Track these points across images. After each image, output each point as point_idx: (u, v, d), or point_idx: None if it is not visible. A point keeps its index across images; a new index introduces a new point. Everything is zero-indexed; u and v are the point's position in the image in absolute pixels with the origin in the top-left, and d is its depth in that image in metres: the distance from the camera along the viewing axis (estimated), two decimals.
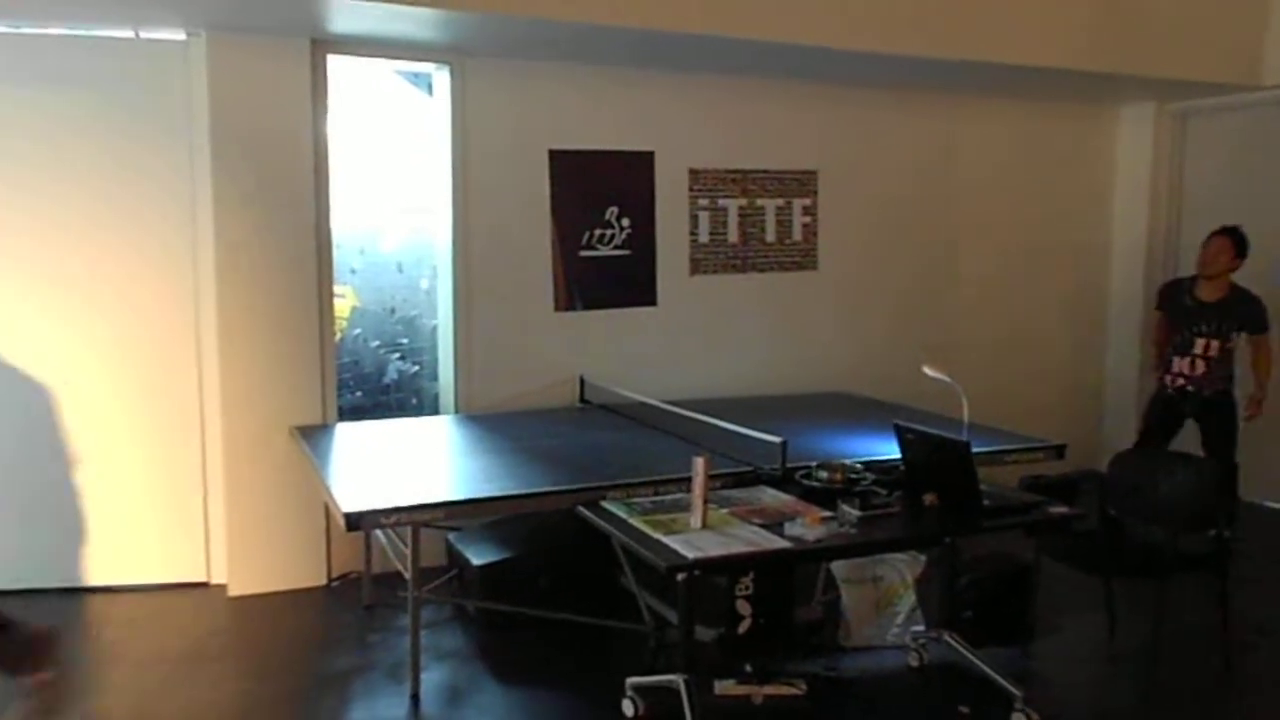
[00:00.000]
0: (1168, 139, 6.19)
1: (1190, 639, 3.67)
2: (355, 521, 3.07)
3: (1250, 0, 5.55)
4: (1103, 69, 5.18)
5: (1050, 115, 6.11)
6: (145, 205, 4.28)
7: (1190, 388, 4.92)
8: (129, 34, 4.24)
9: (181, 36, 4.24)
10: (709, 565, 2.74)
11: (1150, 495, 3.69)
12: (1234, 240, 4.88)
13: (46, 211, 4.18)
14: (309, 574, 4.49)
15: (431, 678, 3.55)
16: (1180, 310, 5.02)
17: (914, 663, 3.64)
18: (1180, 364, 4.95)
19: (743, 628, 3.44)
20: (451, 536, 4.26)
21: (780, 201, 5.47)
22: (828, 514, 3.03)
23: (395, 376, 5.08)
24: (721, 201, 5.32)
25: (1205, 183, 6.12)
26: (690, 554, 2.73)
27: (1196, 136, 6.18)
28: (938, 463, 3.19)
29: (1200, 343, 4.90)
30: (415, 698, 3.39)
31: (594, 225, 5.01)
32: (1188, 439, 4.93)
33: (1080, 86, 5.66)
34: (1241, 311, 4.86)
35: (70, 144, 4.18)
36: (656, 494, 3.34)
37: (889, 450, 3.49)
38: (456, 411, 4.80)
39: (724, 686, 3.39)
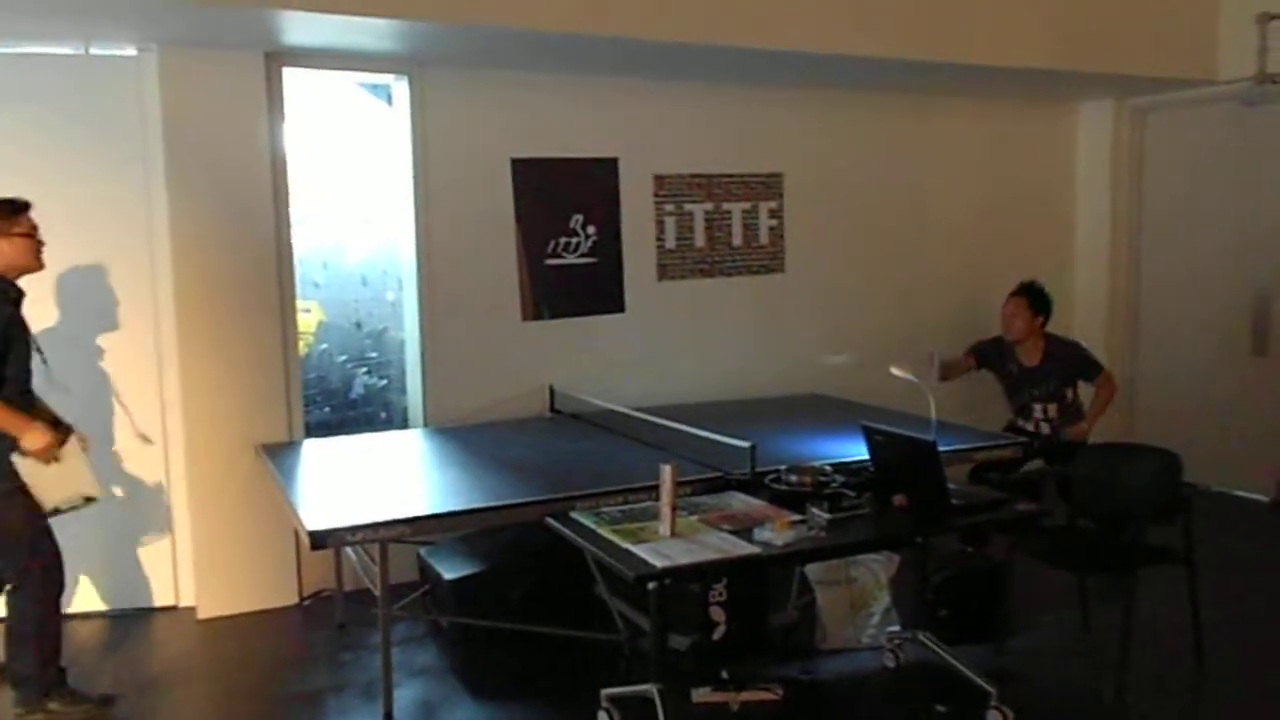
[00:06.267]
0: (1127, 135, 6.25)
1: (1162, 631, 3.69)
2: (321, 540, 3.02)
3: None
4: (1063, 67, 5.22)
5: (1011, 113, 6.15)
6: (100, 223, 4.21)
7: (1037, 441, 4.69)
8: (78, 50, 4.18)
9: (132, 52, 4.19)
10: (677, 574, 2.72)
11: (1115, 489, 3.70)
12: (1029, 299, 4.81)
13: None
14: (280, 594, 4.43)
15: (405, 695, 3.51)
16: (1008, 376, 4.93)
17: (890, 663, 3.65)
18: (1025, 425, 4.84)
19: (717, 634, 3.44)
20: (423, 551, 4.22)
21: (746, 205, 5.47)
22: (797, 518, 3.02)
23: (363, 391, 5.03)
24: (687, 206, 5.31)
25: (1166, 178, 6.19)
26: (658, 563, 2.71)
27: (1156, 132, 6.24)
28: (906, 463, 3.19)
29: (1038, 408, 4.80)
30: (389, 716, 3.35)
31: (559, 233, 4.99)
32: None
33: (1040, 84, 5.71)
34: (1065, 367, 4.79)
35: (22, 162, 4.10)
36: (625, 503, 3.32)
37: (858, 451, 3.49)
38: (426, 425, 4.76)
39: (701, 694, 3.37)
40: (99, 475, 3.53)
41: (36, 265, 3.43)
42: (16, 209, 3.37)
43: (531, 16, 3.97)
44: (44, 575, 3.34)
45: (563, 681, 3.60)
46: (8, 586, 3.35)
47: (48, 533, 3.37)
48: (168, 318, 4.29)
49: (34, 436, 3.25)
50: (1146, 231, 6.30)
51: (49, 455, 3.30)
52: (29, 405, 3.39)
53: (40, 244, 3.42)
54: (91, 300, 4.24)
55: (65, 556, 3.43)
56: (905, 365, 3.80)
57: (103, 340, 4.28)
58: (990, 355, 5.00)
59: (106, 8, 3.66)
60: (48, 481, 3.34)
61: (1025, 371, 4.86)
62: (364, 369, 5.03)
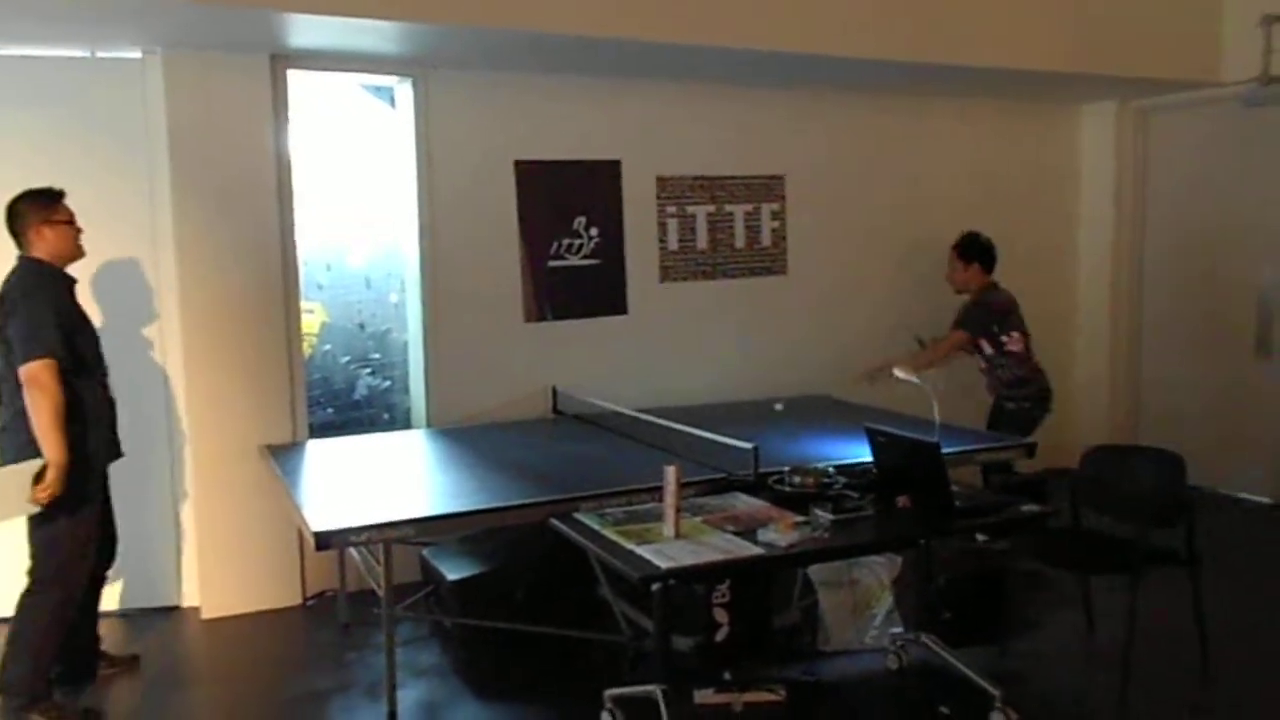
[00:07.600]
0: (1130, 136, 6.25)
1: (1166, 634, 3.68)
2: (325, 541, 3.03)
3: None
4: (1067, 69, 5.22)
5: (1014, 115, 6.15)
6: (104, 224, 4.18)
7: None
8: (84, 53, 4.20)
9: (137, 55, 4.20)
10: (681, 575, 2.73)
11: (1120, 491, 3.70)
12: (959, 251, 4.90)
13: (3, 232, 4.11)
14: (284, 594, 4.44)
15: (409, 695, 3.52)
16: None
17: (893, 665, 3.64)
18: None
19: (720, 635, 3.43)
20: (426, 552, 4.22)
21: (749, 207, 5.48)
22: (801, 519, 3.03)
23: (366, 392, 5.04)
24: (690, 208, 5.32)
25: (1169, 179, 6.18)
26: (663, 564, 2.72)
27: (1159, 133, 6.24)
28: (909, 464, 3.19)
29: (978, 356, 4.93)
30: (393, 716, 3.35)
31: (562, 235, 5.00)
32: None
33: (1044, 86, 5.71)
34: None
35: (27, 163, 4.10)
36: (629, 504, 3.32)
37: (862, 453, 3.50)
38: (429, 425, 4.77)
39: (703, 695, 3.37)
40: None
41: (78, 253, 3.47)
42: (54, 197, 3.42)
43: (535, 19, 3.98)
44: (67, 592, 3.31)
45: (566, 682, 3.61)
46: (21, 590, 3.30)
47: (88, 557, 3.37)
48: (171, 319, 4.30)
49: (53, 477, 3.15)
50: (1150, 233, 6.30)
51: (39, 496, 3.15)
52: (110, 411, 3.47)
53: (79, 230, 3.46)
54: (96, 301, 4.24)
55: None
56: (908, 367, 3.80)
57: (107, 341, 4.28)
58: None
59: (112, 11, 3.67)
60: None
61: None
62: (367, 370, 5.04)
